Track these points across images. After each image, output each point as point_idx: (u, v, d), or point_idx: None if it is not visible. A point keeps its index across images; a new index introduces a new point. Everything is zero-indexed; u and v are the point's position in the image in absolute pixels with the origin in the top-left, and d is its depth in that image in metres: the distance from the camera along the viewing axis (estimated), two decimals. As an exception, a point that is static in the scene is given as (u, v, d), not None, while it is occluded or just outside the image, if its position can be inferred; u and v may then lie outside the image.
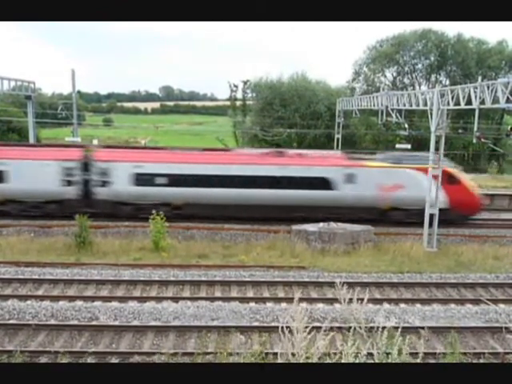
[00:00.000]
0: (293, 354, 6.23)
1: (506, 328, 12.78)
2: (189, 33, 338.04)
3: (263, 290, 15.55)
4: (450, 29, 74.74)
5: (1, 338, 11.94)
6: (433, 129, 20.22)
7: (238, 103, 53.13)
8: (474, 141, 20.05)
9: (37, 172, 22.53)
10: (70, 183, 23.09)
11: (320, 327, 6.85)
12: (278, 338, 11.32)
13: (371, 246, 20.37)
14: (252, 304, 14.23)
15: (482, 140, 19.74)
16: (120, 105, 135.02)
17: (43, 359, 10.87)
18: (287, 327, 6.43)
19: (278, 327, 6.79)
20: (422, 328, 12.54)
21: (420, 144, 40.49)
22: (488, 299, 14.98)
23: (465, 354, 11.18)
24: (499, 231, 23.52)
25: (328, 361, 6.15)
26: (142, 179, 22.96)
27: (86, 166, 23.30)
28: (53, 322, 12.77)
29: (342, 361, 6.09)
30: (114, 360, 10.98)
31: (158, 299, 14.45)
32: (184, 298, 14.49)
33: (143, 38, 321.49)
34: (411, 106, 23.91)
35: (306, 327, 6.33)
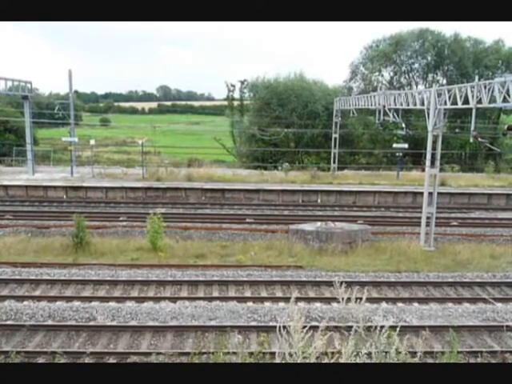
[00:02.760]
0: (290, 354, 6.24)
1: (507, 326, 12.82)
2: (188, 33, 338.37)
3: (261, 290, 15.55)
4: (447, 29, 74.95)
5: (-2, 339, 11.91)
6: (430, 128, 20.26)
7: (236, 103, 53.12)
8: (471, 140, 20.11)
9: None
10: None
11: (318, 327, 6.84)
12: (275, 338, 11.34)
13: (368, 246, 20.40)
14: (250, 304, 14.22)
15: (479, 139, 19.78)
16: (117, 105, 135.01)
17: (40, 360, 10.84)
18: (284, 327, 6.43)
19: (275, 327, 6.79)
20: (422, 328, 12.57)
21: (417, 144, 40.62)
22: (485, 298, 15.02)
23: (462, 352, 11.20)
24: (496, 230, 23.60)
25: (326, 361, 6.15)
26: None
27: None
28: (50, 322, 12.75)
29: (341, 360, 6.10)
30: (112, 360, 10.96)
31: (156, 299, 14.43)
32: (182, 298, 14.47)
33: (141, 38, 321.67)
34: (408, 105, 23.94)
35: (304, 327, 6.33)
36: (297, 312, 6.35)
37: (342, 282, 7.54)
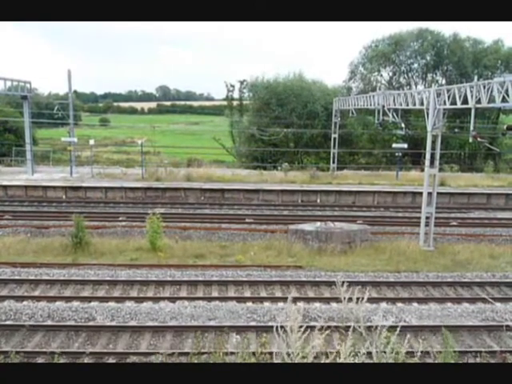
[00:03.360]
0: (288, 354, 6.24)
1: (506, 326, 12.83)
2: (188, 33, 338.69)
3: (260, 290, 15.54)
4: (446, 29, 75.01)
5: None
6: (429, 128, 20.26)
7: (235, 103, 53.10)
8: (471, 140, 20.11)
9: None
10: None
11: (316, 326, 6.85)
12: (275, 338, 11.33)
13: (368, 246, 20.40)
14: (249, 304, 14.22)
15: (478, 139, 19.79)
16: (116, 105, 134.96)
17: (40, 360, 10.83)
18: (282, 327, 6.43)
19: (275, 327, 6.79)
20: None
21: (416, 143, 40.65)
22: (484, 298, 15.02)
23: (462, 352, 11.20)
24: (495, 230, 23.61)
25: (324, 360, 6.16)
26: None
27: None
28: (49, 322, 12.74)
29: (339, 360, 6.10)
30: (112, 361, 10.95)
31: (155, 299, 14.42)
32: (181, 298, 14.46)
33: (141, 38, 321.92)
34: (408, 105, 23.95)
35: (301, 326, 6.33)
36: (294, 312, 6.37)
37: (343, 282, 7.55)
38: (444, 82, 49.99)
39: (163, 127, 71.50)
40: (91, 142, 39.01)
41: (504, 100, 16.32)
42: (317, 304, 14.26)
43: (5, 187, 29.97)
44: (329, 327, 10.09)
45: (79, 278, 15.88)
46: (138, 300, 14.37)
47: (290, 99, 46.44)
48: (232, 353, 10.40)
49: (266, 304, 14.26)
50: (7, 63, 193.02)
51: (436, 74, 52.38)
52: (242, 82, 51.99)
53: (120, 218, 24.08)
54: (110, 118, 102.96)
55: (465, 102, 18.52)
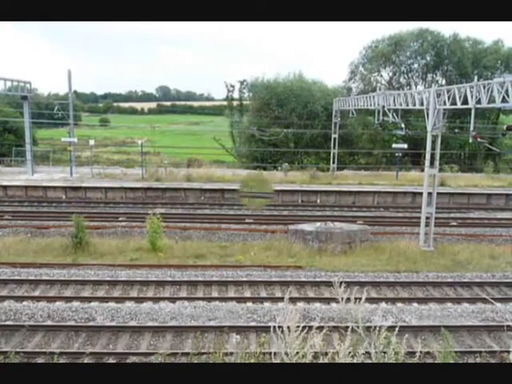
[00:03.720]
0: (286, 354, 6.24)
1: (507, 326, 12.82)
2: (188, 33, 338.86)
3: (260, 290, 15.55)
4: (446, 29, 75.00)
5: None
6: (429, 128, 20.26)
7: (235, 103, 53.09)
8: (471, 140, 20.10)
9: None
10: None
11: (318, 327, 6.85)
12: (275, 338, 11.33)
13: (368, 246, 20.40)
14: (249, 304, 14.22)
15: (478, 139, 19.78)
16: (116, 105, 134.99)
17: (40, 360, 10.82)
18: (280, 327, 6.44)
19: (274, 327, 6.78)
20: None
21: (416, 144, 40.64)
22: (485, 298, 15.02)
23: (462, 352, 11.20)
24: (495, 230, 23.61)
25: (323, 360, 6.15)
26: None
27: None
28: (49, 322, 12.74)
29: (339, 360, 6.09)
30: (111, 361, 10.94)
31: (155, 299, 14.43)
32: (181, 299, 14.47)
33: (141, 38, 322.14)
34: (408, 105, 23.95)
35: (298, 326, 6.33)
36: (291, 311, 6.36)
37: (341, 282, 7.54)
38: (444, 82, 49.97)
39: (163, 127, 71.51)
40: (91, 142, 39.00)
41: (504, 100, 16.32)
42: (317, 304, 14.27)
43: (5, 187, 29.97)
44: (327, 326, 10.09)
45: (79, 279, 15.89)
46: (138, 300, 14.37)
47: (290, 99, 46.44)
48: (232, 353, 10.39)
49: (266, 304, 14.26)
50: (7, 63, 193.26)
51: (436, 74, 52.36)
52: (241, 82, 51.99)
53: (120, 219, 24.09)
54: (110, 118, 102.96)
55: (465, 102, 18.52)
